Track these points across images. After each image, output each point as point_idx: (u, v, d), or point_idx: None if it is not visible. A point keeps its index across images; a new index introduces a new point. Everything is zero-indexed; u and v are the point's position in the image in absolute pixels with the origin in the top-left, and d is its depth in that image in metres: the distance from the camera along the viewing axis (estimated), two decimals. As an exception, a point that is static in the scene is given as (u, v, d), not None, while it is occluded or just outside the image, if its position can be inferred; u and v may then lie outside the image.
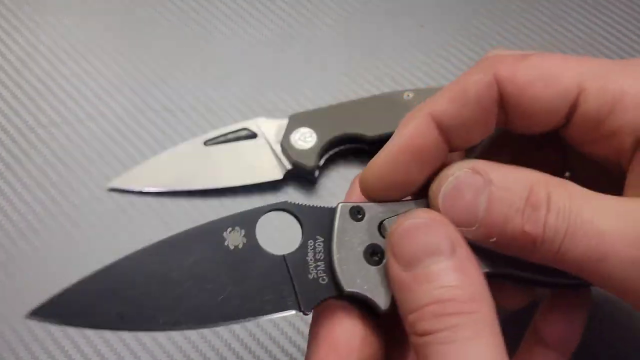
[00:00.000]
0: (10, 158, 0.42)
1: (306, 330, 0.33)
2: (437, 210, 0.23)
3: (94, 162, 0.42)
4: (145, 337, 0.36)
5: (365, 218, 0.24)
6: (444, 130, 0.24)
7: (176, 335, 0.36)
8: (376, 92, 0.45)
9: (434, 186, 0.24)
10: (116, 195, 0.41)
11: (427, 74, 0.47)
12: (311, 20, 0.49)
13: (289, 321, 0.37)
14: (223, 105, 0.45)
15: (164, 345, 0.36)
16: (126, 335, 0.36)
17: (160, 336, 0.36)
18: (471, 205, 0.22)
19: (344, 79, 0.46)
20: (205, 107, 0.45)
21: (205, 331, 0.36)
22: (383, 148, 0.24)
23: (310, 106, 0.44)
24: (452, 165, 0.24)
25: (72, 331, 0.36)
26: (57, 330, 0.36)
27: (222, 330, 0.36)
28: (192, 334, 0.36)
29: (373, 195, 0.25)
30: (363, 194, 0.25)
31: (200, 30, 0.49)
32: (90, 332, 0.36)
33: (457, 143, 0.24)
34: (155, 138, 0.43)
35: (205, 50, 0.48)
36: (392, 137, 0.24)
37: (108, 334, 0.36)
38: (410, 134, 0.24)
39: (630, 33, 0.49)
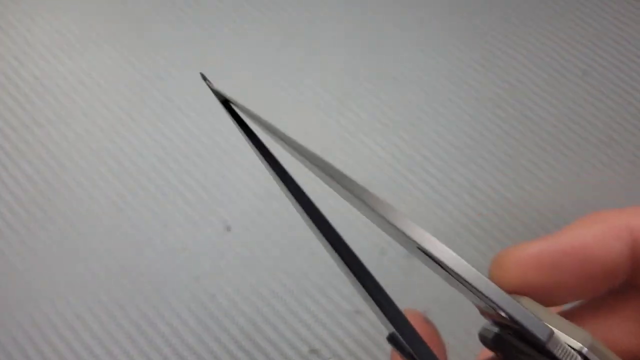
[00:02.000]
0: (5, 157, 0.41)
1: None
2: None
3: (91, 161, 0.41)
4: (140, 338, 0.35)
5: None
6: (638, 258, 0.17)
7: (172, 337, 0.35)
8: (376, 90, 0.45)
9: None
10: (112, 194, 0.40)
11: (429, 73, 0.46)
12: (311, 17, 0.49)
13: (290, 324, 0.36)
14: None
15: (160, 347, 0.35)
16: (122, 336, 0.35)
17: (157, 338, 0.35)
18: None
19: (344, 77, 0.46)
20: (203, 105, 0.44)
21: (201, 332, 0.36)
22: (542, 239, 0.17)
23: (310, 104, 0.44)
24: None
25: (67, 332, 0.35)
26: (52, 333, 0.35)
27: (219, 331, 0.36)
28: (187, 334, 0.35)
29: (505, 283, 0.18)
30: (492, 278, 0.18)
31: (199, 28, 0.48)
32: (85, 334, 0.35)
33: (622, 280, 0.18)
34: (152, 137, 0.42)
35: (204, 47, 0.47)
36: (558, 233, 0.17)
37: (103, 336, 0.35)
38: (590, 238, 0.17)
39: None
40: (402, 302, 0.38)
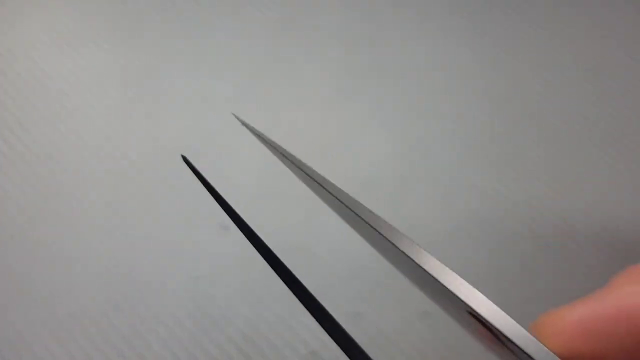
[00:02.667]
0: (2, 156, 0.41)
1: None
2: None
3: (87, 160, 0.41)
4: (137, 339, 0.35)
5: None
6: None
7: (169, 339, 0.35)
8: (376, 88, 0.44)
9: None
10: (109, 193, 0.40)
11: (429, 71, 0.46)
12: (310, 15, 0.48)
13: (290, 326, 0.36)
14: (218, 97, 0.44)
15: (157, 349, 0.35)
16: (117, 338, 0.35)
17: (153, 340, 0.35)
18: None
19: (343, 72, 0.45)
20: (200, 98, 0.44)
21: (199, 333, 0.35)
22: (586, 301, 0.15)
23: (309, 101, 0.43)
24: None
25: (62, 333, 0.35)
26: (46, 334, 0.35)
27: (217, 332, 0.35)
28: (184, 336, 0.35)
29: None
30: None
31: (197, 26, 0.48)
32: (80, 335, 0.35)
33: None
34: (150, 135, 0.42)
35: (202, 46, 0.47)
36: (603, 292, 0.15)
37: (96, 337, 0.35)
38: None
39: None
40: (402, 305, 0.38)
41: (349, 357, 0.15)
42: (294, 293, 0.15)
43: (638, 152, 0.42)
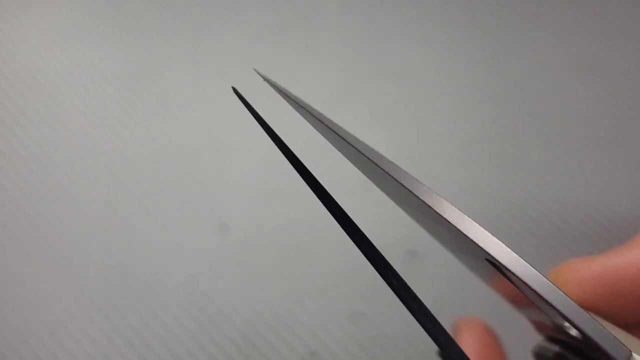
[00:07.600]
0: (-1, 155, 0.41)
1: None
2: None
3: (84, 158, 0.41)
4: (137, 340, 0.35)
5: None
6: None
7: (169, 339, 0.35)
8: (376, 87, 0.44)
9: None
10: (107, 192, 0.39)
11: (430, 70, 0.46)
12: (309, 13, 0.48)
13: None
14: (217, 97, 0.44)
15: (157, 349, 0.34)
16: (117, 338, 0.35)
17: (153, 340, 0.35)
18: None
19: (343, 72, 0.45)
20: (201, 101, 0.44)
21: (199, 334, 0.35)
22: (607, 255, 0.15)
23: (308, 101, 0.43)
24: None
25: (62, 335, 0.35)
26: (46, 336, 0.35)
27: (215, 332, 0.35)
28: (184, 336, 0.35)
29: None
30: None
31: (196, 24, 0.47)
32: (81, 336, 0.35)
33: None
34: (148, 132, 0.42)
35: (200, 40, 0.47)
36: (625, 247, 0.15)
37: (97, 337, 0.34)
38: None
39: None
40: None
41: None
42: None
43: (638, 152, 0.42)
